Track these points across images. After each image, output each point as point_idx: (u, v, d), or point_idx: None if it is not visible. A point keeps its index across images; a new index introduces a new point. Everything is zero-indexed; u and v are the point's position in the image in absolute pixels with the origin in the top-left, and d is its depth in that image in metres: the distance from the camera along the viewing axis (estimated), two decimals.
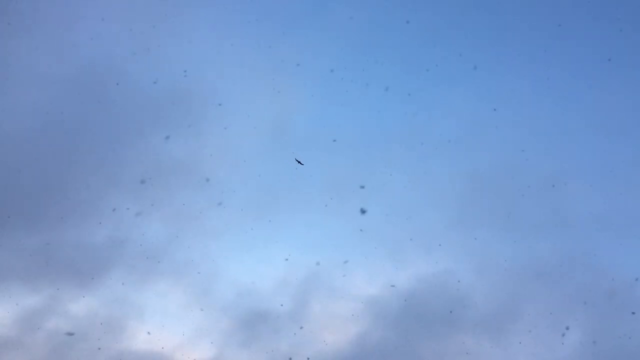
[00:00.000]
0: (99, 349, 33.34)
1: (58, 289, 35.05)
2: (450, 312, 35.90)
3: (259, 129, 39.62)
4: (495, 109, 40.35)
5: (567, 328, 34.56)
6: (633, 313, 33.79)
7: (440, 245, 37.38)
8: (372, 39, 41.83)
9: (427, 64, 42.23)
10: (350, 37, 41.68)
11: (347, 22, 41.24)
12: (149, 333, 34.81)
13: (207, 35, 40.53)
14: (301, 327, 35.45)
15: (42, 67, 37.72)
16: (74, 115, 37.71)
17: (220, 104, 38.92)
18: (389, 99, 41.45)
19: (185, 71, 38.19)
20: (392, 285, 36.27)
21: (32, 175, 36.44)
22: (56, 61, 37.96)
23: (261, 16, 40.76)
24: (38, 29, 37.70)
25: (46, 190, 36.54)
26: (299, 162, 34.64)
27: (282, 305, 36.32)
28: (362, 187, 36.76)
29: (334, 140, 38.84)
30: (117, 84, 37.89)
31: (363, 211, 35.95)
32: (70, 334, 33.69)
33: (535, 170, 39.38)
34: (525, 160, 39.36)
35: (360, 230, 36.67)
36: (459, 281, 36.53)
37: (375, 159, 40.51)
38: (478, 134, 40.85)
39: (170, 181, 38.14)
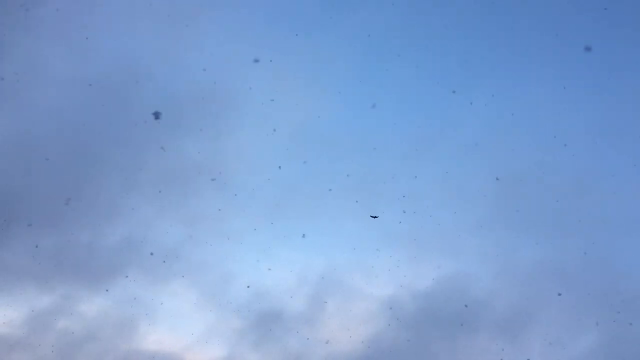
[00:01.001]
0: (109, 349, 33.72)
1: (71, 290, 35.08)
2: (467, 313, 35.73)
3: (278, 132, 39.14)
4: (513, 114, 39.58)
5: (584, 331, 34.89)
6: None
7: (461, 247, 37.23)
8: (393, 42, 41.00)
9: (452, 67, 41.99)
10: (371, 40, 40.54)
11: (368, 25, 40.45)
12: (161, 331, 35.08)
13: (226, 39, 40.43)
14: (313, 328, 35.65)
15: (64, 71, 37.58)
16: (94, 118, 37.66)
17: (238, 107, 39.18)
18: (412, 102, 40.88)
19: (204, 70, 38.04)
20: (401, 286, 36.01)
21: (52, 177, 36.42)
22: (78, 65, 37.84)
23: (280, 18, 40.10)
24: (62, 34, 37.58)
25: (64, 192, 36.03)
26: (373, 217, 34.50)
27: (295, 305, 36.43)
28: (404, 196, 36.87)
29: (356, 143, 38.14)
30: (137, 87, 37.84)
31: (374, 216, 35.92)
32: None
33: (561, 173, 39.16)
34: (551, 164, 39.25)
35: (380, 232, 36.81)
36: (477, 283, 36.54)
37: (397, 162, 40.21)
38: (504, 137, 40.34)
39: (187, 183, 38.18)
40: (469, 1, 41.83)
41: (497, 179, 38.04)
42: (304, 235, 36.96)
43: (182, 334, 35.03)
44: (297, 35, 40.14)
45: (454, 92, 40.00)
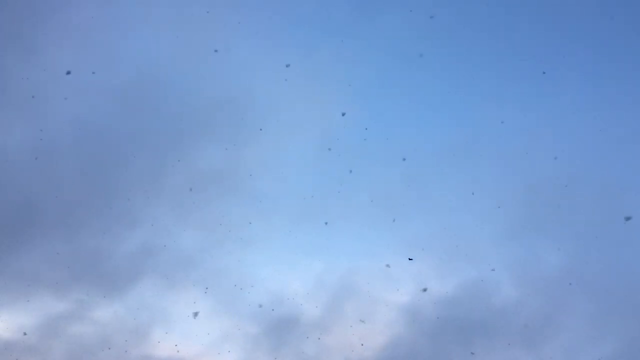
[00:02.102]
0: (122, 355, 33.22)
1: (86, 297, 34.78)
2: (488, 321, 35.50)
3: (303, 139, 39.27)
4: (541, 121, 39.46)
5: (607, 340, 34.17)
6: None
7: (484, 254, 36.80)
8: (422, 48, 40.76)
9: (481, 73, 41.34)
10: (400, 45, 40.67)
11: (397, 29, 40.45)
12: (174, 337, 34.51)
13: (251, 44, 39.76)
14: (330, 334, 35.12)
15: (87, 79, 37.19)
16: (117, 125, 37.49)
17: (263, 114, 38.73)
18: (441, 110, 40.84)
19: (229, 75, 38.17)
20: (424, 289, 35.46)
21: (72, 185, 36.28)
22: (101, 73, 37.46)
23: (304, 23, 40.16)
24: (86, 42, 37.72)
25: (83, 199, 36.21)
26: (410, 259, 34.40)
27: (312, 312, 35.94)
28: (429, 203, 37.02)
29: (382, 150, 38.19)
30: (161, 94, 37.77)
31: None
32: None
33: (590, 180, 38.52)
34: (579, 172, 38.54)
35: (402, 239, 36.55)
36: (499, 290, 36.12)
37: (425, 169, 39.55)
38: (532, 145, 39.83)
39: (209, 191, 37.63)
40: (499, 10, 41.76)
41: (524, 186, 38.13)
42: (324, 242, 37.24)
43: (197, 341, 34.69)
44: (323, 40, 40.05)
45: (482, 100, 39.88)
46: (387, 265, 35.61)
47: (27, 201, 35.13)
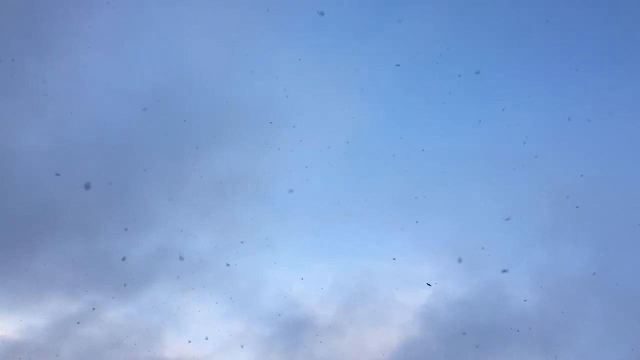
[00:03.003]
0: (132, 357, 33.30)
1: (99, 298, 34.63)
2: (505, 325, 34.96)
3: (322, 142, 38.56)
4: (566, 126, 38.80)
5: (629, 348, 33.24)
6: None
7: (504, 258, 36.15)
8: (443, 52, 40.28)
9: (503, 79, 41.17)
10: (421, 49, 40.28)
11: (418, 34, 40.13)
12: (189, 342, 34.10)
13: (273, 49, 39.51)
14: (344, 337, 34.97)
15: (110, 81, 37.53)
16: (138, 129, 37.41)
17: (283, 117, 38.03)
18: (459, 112, 40.43)
19: (249, 83, 38.02)
20: (430, 284, 35.00)
21: (91, 187, 35.33)
22: (125, 76, 37.75)
23: (326, 26, 39.99)
24: (110, 44, 37.58)
25: (100, 202, 36.12)
26: (429, 284, 34.31)
27: (326, 314, 35.76)
28: (449, 207, 36.70)
29: (402, 154, 37.85)
30: (184, 98, 37.65)
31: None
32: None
33: (614, 186, 37.99)
34: (604, 177, 37.89)
35: (421, 242, 36.36)
36: (517, 295, 35.55)
37: (446, 175, 39.03)
38: (556, 150, 39.30)
39: (227, 193, 37.67)
40: (523, 15, 41.36)
41: (546, 191, 37.46)
42: (340, 245, 37.09)
43: (208, 342, 34.36)
44: (345, 42, 39.87)
45: (503, 109, 39.28)
46: (394, 259, 35.30)
47: (44, 203, 35.21)
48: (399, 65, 39.03)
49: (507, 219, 35.76)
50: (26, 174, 35.30)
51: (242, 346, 34.20)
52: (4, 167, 34.75)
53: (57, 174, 33.98)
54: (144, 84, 37.32)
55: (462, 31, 40.76)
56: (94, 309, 34.18)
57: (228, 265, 35.23)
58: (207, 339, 33.72)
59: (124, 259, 34.27)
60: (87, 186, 33.61)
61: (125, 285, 34.63)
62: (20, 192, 35.01)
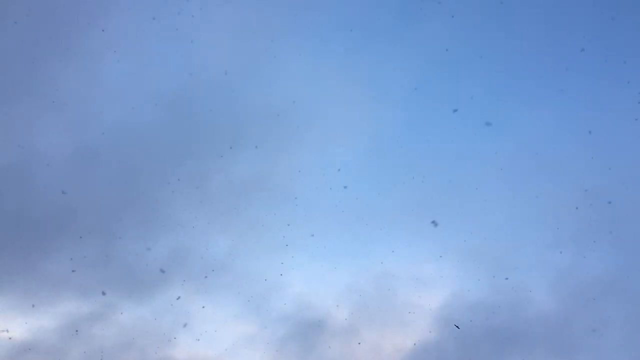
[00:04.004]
0: (144, 358, 33.39)
1: (112, 300, 34.82)
2: (523, 329, 34.66)
3: (343, 144, 38.79)
4: (592, 130, 38.00)
5: None
6: None
7: (524, 262, 35.79)
8: (463, 55, 40.01)
9: (526, 81, 40.37)
10: (441, 52, 39.88)
11: (442, 36, 39.70)
12: (197, 340, 34.38)
13: (295, 52, 39.19)
14: (359, 338, 34.67)
15: (132, 86, 37.59)
16: (157, 132, 37.58)
17: (305, 120, 38.29)
18: (482, 116, 39.88)
19: (271, 85, 38.00)
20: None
21: (109, 190, 36.52)
22: (146, 81, 37.76)
23: (348, 29, 39.69)
24: (131, 48, 37.59)
25: (119, 205, 36.42)
26: (456, 326, 34.08)
27: (341, 316, 35.53)
28: (470, 210, 36.46)
29: (424, 157, 37.69)
30: (206, 102, 37.66)
31: (435, 223, 34.50)
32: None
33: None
34: (636, 177, 37.17)
35: (440, 245, 35.82)
36: (537, 299, 35.28)
37: (465, 175, 38.73)
38: (581, 154, 38.61)
39: (248, 196, 37.59)
40: (546, 18, 40.76)
41: (574, 195, 36.77)
42: (357, 247, 36.81)
43: (220, 344, 34.66)
44: (366, 45, 39.56)
45: (528, 107, 38.80)
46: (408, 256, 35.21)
47: (63, 206, 35.28)
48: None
49: (545, 216, 35.70)
50: (45, 176, 35.49)
51: (252, 354, 34.36)
52: (23, 169, 35.10)
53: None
54: (165, 87, 37.44)
55: (486, 32, 40.41)
56: (106, 310, 34.54)
57: (244, 267, 35.47)
58: (218, 340, 34.09)
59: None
60: (103, 189, 34.17)
61: (141, 287, 35.00)
62: (38, 194, 35.31)
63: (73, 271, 34.08)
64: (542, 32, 40.53)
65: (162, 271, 34.83)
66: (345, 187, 37.39)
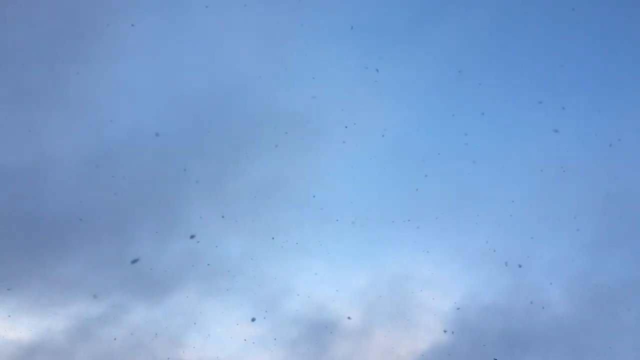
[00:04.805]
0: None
1: (122, 302, 34.75)
2: (537, 333, 34.21)
3: (363, 147, 38.41)
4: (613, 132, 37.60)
5: None
6: None
7: (542, 266, 35.37)
8: (482, 57, 39.87)
9: (547, 83, 40.07)
10: (459, 55, 39.77)
11: (454, 40, 39.65)
12: (208, 341, 34.28)
13: (314, 55, 39.03)
14: (371, 341, 34.52)
15: (152, 88, 37.89)
16: (176, 134, 37.55)
17: (323, 122, 38.28)
18: (503, 119, 39.73)
19: (291, 89, 38.14)
20: (468, 302, 34.36)
21: (127, 191, 36.17)
22: (167, 83, 38.07)
23: (366, 31, 39.78)
24: (151, 50, 37.89)
25: (136, 207, 36.45)
26: None
27: (354, 319, 35.09)
28: (492, 216, 35.98)
29: (442, 161, 37.44)
30: (227, 104, 37.96)
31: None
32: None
33: None
34: None
35: (461, 251, 35.96)
36: (553, 303, 34.83)
37: (493, 180, 38.49)
38: (610, 158, 38.09)
39: (262, 198, 37.37)
40: (566, 22, 40.39)
41: (595, 199, 36.61)
42: (372, 250, 36.64)
43: (231, 346, 34.27)
44: (384, 48, 39.48)
45: (551, 109, 38.33)
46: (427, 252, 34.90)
47: (79, 207, 35.17)
48: (460, 72, 38.78)
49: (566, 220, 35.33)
50: (61, 177, 35.74)
51: (264, 349, 34.12)
52: (40, 171, 35.27)
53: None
54: (184, 90, 37.60)
55: (506, 37, 40.27)
56: (116, 311, 34.46)
57: (258, 268, 35.36)
58: (228, 342, 33.88)
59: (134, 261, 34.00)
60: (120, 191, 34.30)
61: (153, 289, 34.91)
62: (54, 196, 35.41)
63: (86, 273, 34.32)
64: (569, 35, 40.38)
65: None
66: (360, 188, 37.45)
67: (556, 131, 37.05)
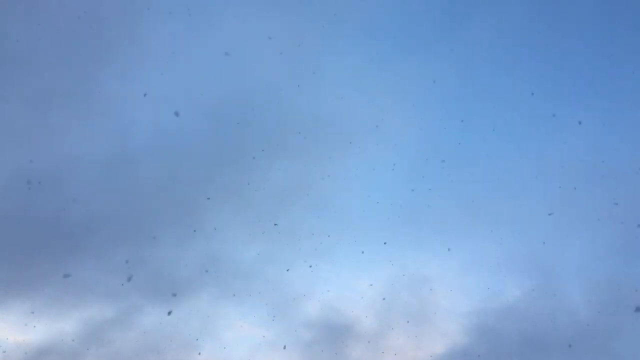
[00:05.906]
0: None
1: (137, 305, 34.63)
2: (559, 338, 33.36)
3: (384, 155, 38.51)
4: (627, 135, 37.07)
5: None
6: None
7: (561, 271, 34.74)
8: (507, 57, 39.74)
9: (571, 83, 40.36)
10: (484, 55, 39.75)
11: (480, 40, 39.52)
12: (224, 348, 33.95)
13: (339, 62, 39.83)
14: (387, 344, 33.84)
15: (175, 94, 38.01)
16: (197, 141, 37.90)
17: (348, 129, 38.42)
18: (528, 125, 39.36)
19: (316, 95, 38.53)
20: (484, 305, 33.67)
21: (146, 196, 36.65)
22: (186, 86, 38.33)
23: (390, 34, 39.99)
24: (174, 55, 38.00)
25: (154, 211, 36.52)
26: None
27: (369, 321, 34.79)
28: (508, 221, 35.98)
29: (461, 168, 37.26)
30: (247, 111, 38.01)
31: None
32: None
33: None
34: None
35: (476, 255, 35.58)
36: (573, 309, 34.24)
37: (506, 181, 38.44)
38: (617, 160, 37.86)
39: (282, 203, 37.41)
40: (594, 21, 40.07)
41: (615, 203, 35.61)
42: (389, 255, 36.00)
43: (243, 349, 34.11)
44: (409, 51, 39.70)
45: (579, 123, 37.73)
46: (448, 249, 34.43)
47: (98, 211, 35.47)
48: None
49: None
50: (83, 181, 35.88)
51: (284, 347, 33.78)
52: (64, 174, 35.48)
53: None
54: (207, 95, 37.91)
55: (532, 36, 39.97)
56: (129, 313, 34.39)
57: (287, 270, 34.97)
58: (243, 345, 33.63)
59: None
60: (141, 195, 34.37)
61: (168, 293, 34.34)
62: (78, 199, 35.38)
63: (99, 275, 34.24)
64: (594, 35, 40.01)
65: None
66: (379, 192, 37.20)
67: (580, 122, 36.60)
